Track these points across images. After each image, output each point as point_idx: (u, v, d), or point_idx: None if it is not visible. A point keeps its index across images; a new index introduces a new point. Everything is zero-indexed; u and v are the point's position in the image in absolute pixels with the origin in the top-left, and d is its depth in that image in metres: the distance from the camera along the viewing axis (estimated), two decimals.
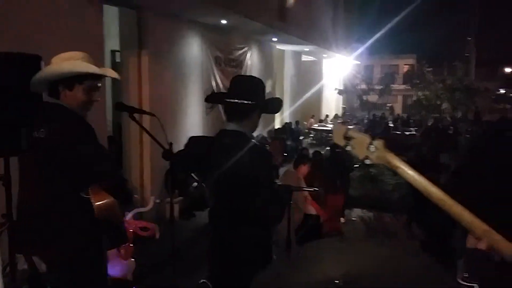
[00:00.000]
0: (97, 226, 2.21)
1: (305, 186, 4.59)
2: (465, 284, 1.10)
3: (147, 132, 2.57)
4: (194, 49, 8.99)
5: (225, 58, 10.41)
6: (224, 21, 9.08)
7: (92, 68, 2.29)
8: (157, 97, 7.42)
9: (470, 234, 1.23)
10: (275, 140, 5.49)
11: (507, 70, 31.59)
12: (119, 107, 2.64)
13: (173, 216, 2.79)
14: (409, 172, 1.29)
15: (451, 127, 16.61)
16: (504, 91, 29.55)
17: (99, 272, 2.32)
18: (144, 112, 2.83)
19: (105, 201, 2.17)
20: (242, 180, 2.27)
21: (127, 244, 3.72)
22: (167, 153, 2.39)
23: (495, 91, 28.82)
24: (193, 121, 8.82)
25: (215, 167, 2.31)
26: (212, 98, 2.57)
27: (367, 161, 1.33)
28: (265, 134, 12.61)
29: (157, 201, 4.87)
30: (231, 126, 2.43)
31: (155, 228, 3.96)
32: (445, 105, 18.31)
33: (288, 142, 13.31)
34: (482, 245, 1.19)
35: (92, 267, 2.28)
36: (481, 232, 1.20)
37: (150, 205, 4.08)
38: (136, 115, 2.64)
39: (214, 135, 2.54)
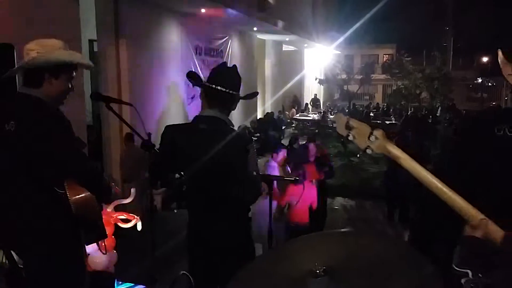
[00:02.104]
0: (74, 222, 2.16)
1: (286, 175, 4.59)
2: (460, 270, 1.13)
3: (125, 122, 2.51)
4: (173, 38, 8.87)
5: (205, 47, 10.31)
6: (203, 10, 8.97)
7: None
8: (136, 87, 7.31)
9: (467, 223, 1.25)
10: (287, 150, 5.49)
11: (484, 59, 32.14)
12: (96, 97, 2.58)
13: (153, 208, 2.74)
14: (410, 162, 1.30)
15: (430, 116, 16.86)
16: (481, 80, 30.07)
17: (77, 267, 2.27)
18: (121, 102, 2.76)
19: (82, 195, 2.12)
20: (222, 167, 2.26)
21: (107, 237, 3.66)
22: (146, 144, 2.34)
23: (472, 80, 29.31)
24: (173, 110, 8.72)
25: (194, 154, 2.29)
26: (196, 81, 2.54)
27: (368, 151, 1.33)
28: (248, 125, 12.59)
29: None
30: (209, 112, 2.42)
31: (136, 219, 3.90)
32: (424, 94, 18.54)
33: (271, 132, 13.33)
34: (478, 234, 1.22)
35: (70, 263, 2.23)
36: (477, 221, 1.22)
37: (131, 197, 4.00)
38: (115, 105, 2.58)
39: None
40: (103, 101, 2.52)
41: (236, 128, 2.50)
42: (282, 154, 5.32)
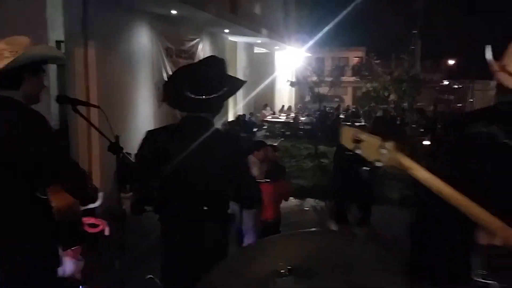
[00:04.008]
0: (55, 228, 2.09)
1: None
2: (482, 281, 1.09)
3: (92, 124, 2.47)
4: (143, 40, 8.77)
5: (176, 49, 10.24)
6: (174, 12, 8.91)
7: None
8: (105, 90, 7.19)
9: (481, 230, 1.22)
10: (267, 146, 5.34)
11: (450, 62, 33.04)
12: (62, 100, 2.52)
13: (123, 212, 2.70)
14: (422, 173, 1.26)
15: (398, 118, 17.20)
16: (447, 83, 30.90)
17: (53, 275, 2.21)
18: (89, 105, 2.72)
19: (66, 202, 2.06)
20: (220, 171, 2.22)
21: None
22: (113, 146, 2.30)
23: (439, 82, 30.07)
24: (143, 114, 8.62)
25: (181, 156, 2.24)
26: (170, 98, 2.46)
27: (378, 164, 1.27)
28: (219, 126, 12.56)
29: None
30: (198, 114, 2.36)
31: (104, 224, 3.84)
32: (392, 97, 18.89)
33: (242, 135, 13.33)
34: (497, 241, 1.17)
35: (47, 270, 2.16)
36: (495, 229, 1.18)
37: (99, 201, 3.94)
38: (82, 108, 2.52)
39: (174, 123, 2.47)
40: (70, 104, 2.47)
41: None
42: (263, 150, 5.24)
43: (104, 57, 7.23)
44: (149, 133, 2.41)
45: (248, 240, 4.44)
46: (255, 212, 4.81)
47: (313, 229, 4.07)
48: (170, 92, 2.48)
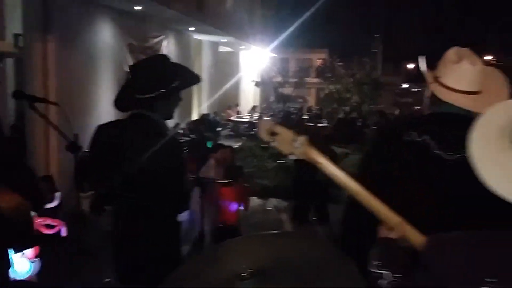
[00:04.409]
0: (3, 231, 2.00)
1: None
2: (377, 272, 1.15)
3: (50, 122, 2.38)
4: (106, 36, 8.57)
5: (139, 46, 10.05)
6: (138, 7, 8.76)
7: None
8: (65, 86, 6.98)
9: (382, 224, 1.29)
10: (225, 148, 5.30)
11: (410, 66, 34.05)
12: (18, 95, 2.41)
13: (81, 212, 2.64)
14: (330, 168, 1.32)
15: (360, 119, 17.57)
16: (407, 86, 31.84)
17: (4, 278, 2.12)
18: (47, 101, 2.61)
19: (15, 203, 1.97)
20: (148, 171, 2.19)
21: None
22: (72, 145, 2.23)
23: (398, 85, 30.93)
24: (105, 111, 8.42)
25: (124, 155, 2.21)
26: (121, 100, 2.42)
27: (292, 157, 1.34)
28: (184, 125, 12.45)
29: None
30: (144, 111, 2.34)
31: (61, 225, 3.73)
32: (354, 98, 19.29)
33: (206, 134, 13.26)
34: (393, 235, 1.26)
35: None
36: (394, 223, 1.26)
37: (56, 201, 3.83)
38: (40, 104, 2.44)
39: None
40: (26, 100, 2.38)
41: (172, 125, 2.44)
42: (221, 152, 5.24)
43: (64, 52, 7.02)
44: (100, 127, 2.35)
45: (208, 242, 4.42)
46: (215, 215, 4.80)
47: (275, 231, 4.11)
48: (120, 96, 2.45)
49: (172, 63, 2.47)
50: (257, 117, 18.32)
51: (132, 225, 2.30)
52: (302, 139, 1.33)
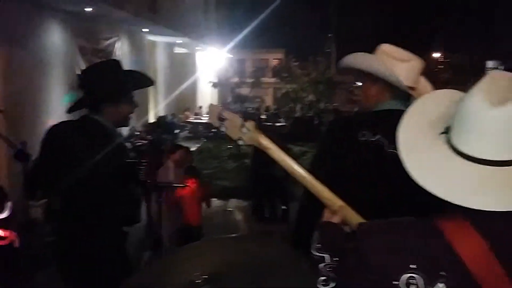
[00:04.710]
0: None
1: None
2: (317, 255, 1.16)
3: None
4: (55, 38, 8.29)
5: (91, 48, 9.79)
6: (88, 9, 8.52)
7: None
8: (12, 90, 6.69)
9: (326, 209, 1.33)
10: (182, 148, 5.24)
11: None
12: None
13: (32, 221, 2.54)
14: (277, 153, 1.35)
15: (316, 118, 17.87)
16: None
17: None
18: None
19: None
20: (92, 178, 2.12)
21: None
22: (20, 153, 2.14)
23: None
24: (55, 116, 8.14)
25: (71, 159, 2.14)
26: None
27: (240, 142, 1.36)
28: (140, 128, 12.23)
29: None
30: (92, 114, 2.30)
31: (13, 236, 3.59)
32: (310, 97, 19.58)
33: (164, 136, 13.08)
34: (335, 219, 1.29)
35: None
36: (337, 207, 1.30)
37: (6, 212, 3.67)
38: None
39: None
40: None
41: (128, 128, 2.39)
42: (179, 153, 5.20)
43: (10, 55, 6.73)
44: (51, 128, 2.27)
45: (167, 246, 4.36)
46: (175, 216, 4.75)
47: (232, 235, 4.11)
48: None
49: (124, 69, 2.43)
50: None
51: (77, 235, 2.21)
52: (250, 124, 1.35)
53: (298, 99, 19.54)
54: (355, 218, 1.29)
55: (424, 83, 1.87)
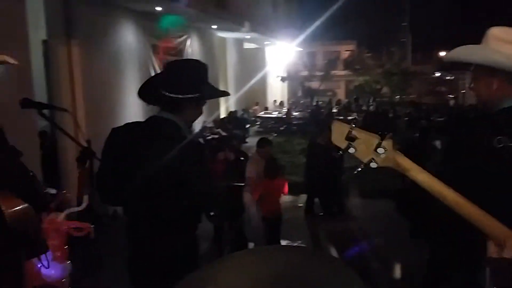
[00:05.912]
0: (10, 237, 1.96)
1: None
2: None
3: (61, 129, 2.33)
4: (129, 38, 8.61)
5: (163, 46, 10.09)
6: (159, 8, 8.76)
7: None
8: (91, 89, 7.03)
9: (490, 241, 1.12)
10: (263, 147, 5.41)
11: (442, 54, 33.08)
12: (26, 104, 2.33)
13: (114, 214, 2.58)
14: (422, 175, 1.15)
15: (391, 111, 17.17)
16: (439, 74, 30.94)
17: (16, 285, 2.08)
18: (54, 108, 2.56)
19: (18, 207, 1.92)
20: (167, 178, 2.08)
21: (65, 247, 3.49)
22: (84, 152, 2.15)
23: (430, 74, 30.11)
24: (132, 113, 8.46)
25: (141, 160, 2.10)
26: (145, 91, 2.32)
27: (373, 165, 1.16)
28: (211, 123, 12.44)
29: None
30: (165, 115, 2.23)
31: (89, 228, 3.72)
32: (384, 89, 18.91)
33: (236, 131, 13.22)
34: (507, 254, 1.06)
35: (7, 282, 2.03)
36: (504, 238, 1.08)
37: (84, 204, 3.82)
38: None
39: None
40: (34, 108, 2.33)
41: (201, 125, 2.33)
42: (267, 149, 5.35)
43: (88, 56, 7.08)
44: (113, 130, 2.25)
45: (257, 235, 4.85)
46: (257, 209, 4.93)
47: (276, 245, 4.14)
48: (145, 86, 2.34)
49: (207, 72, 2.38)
50: (285, 112, 18.15)
51: (148, 240, 2.18)
52: (387, 143, 1.14)
53: (372, 92, 18.93)
54: None
55: None
